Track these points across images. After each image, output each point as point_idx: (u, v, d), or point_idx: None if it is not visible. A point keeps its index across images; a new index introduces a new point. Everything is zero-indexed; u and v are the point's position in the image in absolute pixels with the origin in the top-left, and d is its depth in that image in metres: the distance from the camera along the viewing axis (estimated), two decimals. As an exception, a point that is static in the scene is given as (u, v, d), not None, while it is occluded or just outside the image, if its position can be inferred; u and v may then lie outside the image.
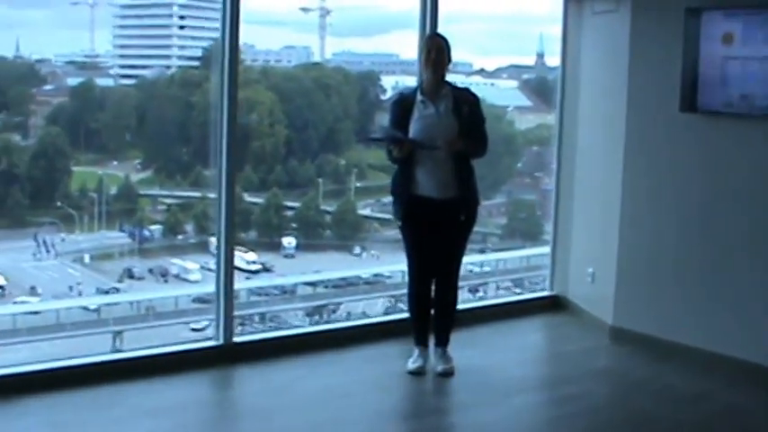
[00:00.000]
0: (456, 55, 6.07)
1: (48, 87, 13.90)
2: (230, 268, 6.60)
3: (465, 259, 6.41)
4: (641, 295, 7.17)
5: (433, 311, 6.36)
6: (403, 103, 6.00)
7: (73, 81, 13.18)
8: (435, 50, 5.95)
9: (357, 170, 11.48)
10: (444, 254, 6.17)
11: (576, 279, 7.96)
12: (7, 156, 12.83)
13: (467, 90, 6.08)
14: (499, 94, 11.59)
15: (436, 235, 6.06)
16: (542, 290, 8.40)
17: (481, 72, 11.75)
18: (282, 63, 12.66)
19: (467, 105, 5.93)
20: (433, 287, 6.29)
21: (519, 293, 9.71)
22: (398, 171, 6.08)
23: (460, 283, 6.45)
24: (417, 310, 6.34)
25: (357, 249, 11.49)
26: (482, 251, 11.37)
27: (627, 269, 7.24)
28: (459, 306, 6.53)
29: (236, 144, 6.38)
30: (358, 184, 11.59)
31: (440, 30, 6.88)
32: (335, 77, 11.88)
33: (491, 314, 7.76)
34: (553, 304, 8.13)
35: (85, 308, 13.00)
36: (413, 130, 5.91)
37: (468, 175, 5.99)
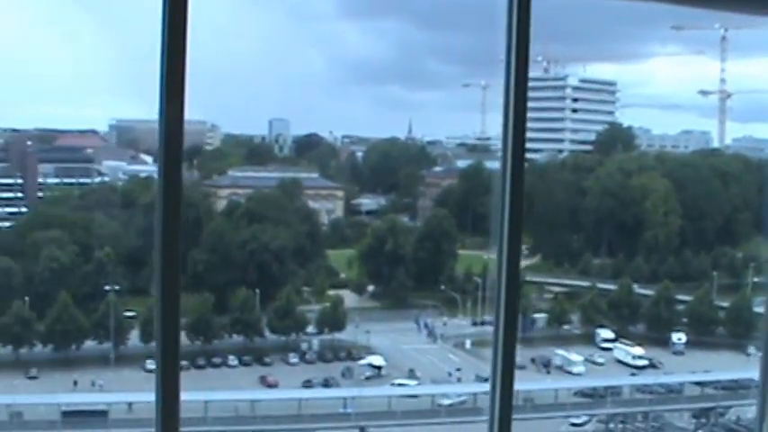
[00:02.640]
0: None
1: (437, 169, 14.00)
2: (510, 364, 5.86)
3: None
4: None
5: None
6: None
7: (462, 163, 13.20)
8: None
9: (755, 264, 10.74)
10: None
11: None
12: (394, 236, 13.00)
13: None
14: None
15: None
16: None
17: None
18: (679, 149, 12.16)
19: None
20: None
21: None
22: None
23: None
24: None
25: (751, 349, 10.72)
26: None
27: None
28: None
29: (518, 226, 5.76)
30: (756, 280, 10.88)
31: None
32: (735, 165, 11.23)
33: None
34: None
35: (459, 396, 12.81)
36: None
37: None
